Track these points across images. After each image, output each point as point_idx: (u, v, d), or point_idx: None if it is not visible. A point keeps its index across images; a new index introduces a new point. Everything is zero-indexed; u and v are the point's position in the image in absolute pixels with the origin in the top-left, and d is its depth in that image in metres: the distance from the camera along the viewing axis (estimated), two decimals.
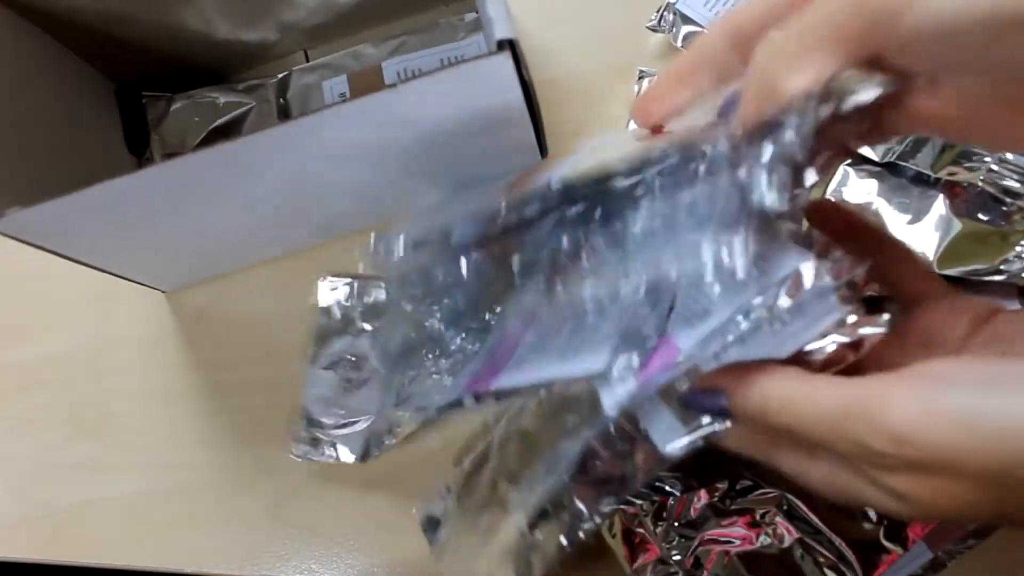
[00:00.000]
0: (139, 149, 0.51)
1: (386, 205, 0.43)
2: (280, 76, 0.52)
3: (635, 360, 0.28)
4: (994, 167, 0.39)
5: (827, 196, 0.41)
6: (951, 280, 0.38)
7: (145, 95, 0.52)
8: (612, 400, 0.28)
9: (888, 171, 0.41)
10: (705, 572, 0.37)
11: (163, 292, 0.49)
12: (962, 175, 0.40)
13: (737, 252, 0.25)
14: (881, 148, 0.41)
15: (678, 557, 0.38)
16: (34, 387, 0.49)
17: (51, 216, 0.35)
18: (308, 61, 0.53)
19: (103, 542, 0.45)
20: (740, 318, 0.25)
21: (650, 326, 0.29)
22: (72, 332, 0.49)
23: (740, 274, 0.25)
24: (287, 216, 0.44)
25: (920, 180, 0.40)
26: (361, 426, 0.43)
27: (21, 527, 0.46)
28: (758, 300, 0.24)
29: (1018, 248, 0.38)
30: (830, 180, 0.41)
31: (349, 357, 0.45)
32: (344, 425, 0.44)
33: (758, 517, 0.38)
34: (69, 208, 0.35)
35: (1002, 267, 0.38)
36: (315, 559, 0.44)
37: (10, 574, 0.50)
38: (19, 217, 0.34)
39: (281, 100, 0.52)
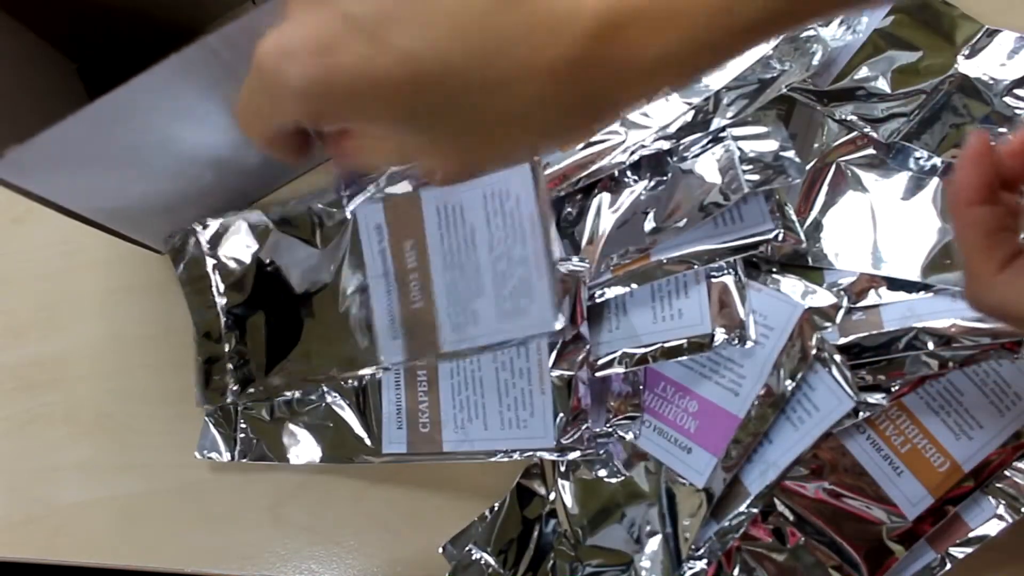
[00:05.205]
0: None
1: None
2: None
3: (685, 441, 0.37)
4: None
5: (824, 193, 0.41)
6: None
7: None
8: (698, 476, 0.37)
9: (889, 157, 0.41)
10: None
11: (162, 254, 0.48)
12: None
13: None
14: (887, 128, 0.41)
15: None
16: (34, 387, 0.49)
17: (41, 154, 0.36)
18: (255, 4, 0.50)
19: (103, 542, 0.45)
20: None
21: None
22: (72, 332, 0.49)
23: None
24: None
25: (920, 171, 0.40)
26: None
27: (21, 527, 0.46)
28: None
29: None
30: (825, 178, 0.41)
31: None
32: None
33: (767, 520, 0.38)
34: (55, 143, 0.35)
35: None
36: (315, 559, 0.44)
37: (10, 574, 0.50)
38: (18, 155, 0.34)
39: None
